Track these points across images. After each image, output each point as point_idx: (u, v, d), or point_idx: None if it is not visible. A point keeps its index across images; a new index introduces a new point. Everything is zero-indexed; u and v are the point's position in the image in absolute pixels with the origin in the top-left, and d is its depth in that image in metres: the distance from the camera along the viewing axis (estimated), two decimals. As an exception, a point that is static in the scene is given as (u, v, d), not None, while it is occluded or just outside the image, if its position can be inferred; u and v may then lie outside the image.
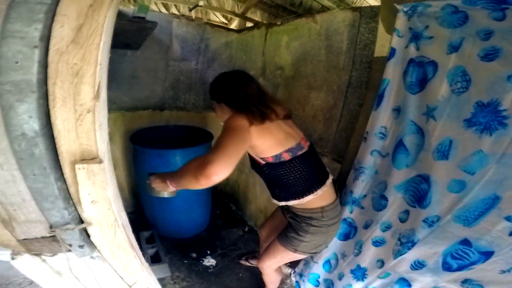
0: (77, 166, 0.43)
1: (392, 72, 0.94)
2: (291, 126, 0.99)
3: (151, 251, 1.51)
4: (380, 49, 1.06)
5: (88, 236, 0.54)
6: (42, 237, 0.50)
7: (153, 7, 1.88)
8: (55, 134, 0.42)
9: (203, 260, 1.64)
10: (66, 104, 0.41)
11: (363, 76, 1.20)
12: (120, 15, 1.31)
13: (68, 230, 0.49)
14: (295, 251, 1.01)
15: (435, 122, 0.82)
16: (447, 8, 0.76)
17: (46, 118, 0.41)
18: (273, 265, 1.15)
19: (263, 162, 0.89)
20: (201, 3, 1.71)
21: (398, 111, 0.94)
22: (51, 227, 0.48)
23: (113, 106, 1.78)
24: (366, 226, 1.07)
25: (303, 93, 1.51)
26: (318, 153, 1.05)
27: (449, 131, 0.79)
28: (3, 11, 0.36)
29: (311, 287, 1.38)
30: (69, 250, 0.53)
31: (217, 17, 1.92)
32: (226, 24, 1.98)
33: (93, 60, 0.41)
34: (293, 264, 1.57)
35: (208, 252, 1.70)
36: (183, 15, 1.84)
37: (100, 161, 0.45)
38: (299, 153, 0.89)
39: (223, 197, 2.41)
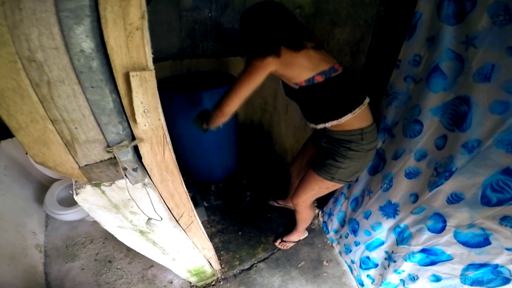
0: (131, 73, 0.45)
1: (424, 5, 0.86)
2: (323, 54, 0.96)
3: (189, 195, 1.63)
4: None
5: (140, 159, 0.58)
6: (101, 161, 0.54)
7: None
8: (109, 51, 0.44)
9: (234, 203, 1.76)
10: (117, 25, 0.42)
11: (393, 11, 1.09)
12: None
13: (123, 147, 0.51)
14: (332, 179, 1.02)
15: (475, 49, 0.75)
16: None
17: (100, 37, 0.43)
18: (308, 200, 1.18)
19: (297, 87, 0.91)
20: None
21: (432, 40, 0.87)
22: (108, 146, 0.51)
23: None
24: (396, 157, 1.03)
25: (326, 28, 1.42)
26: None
27: (491, 57, 0.72)
28: None
29: (338, 226, 1.45)
30: (125, 175, 0.57)
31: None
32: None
33: None
34: (321, 204, 1.64)
35: (239, 195, 1.82)
36: None
37: (151, 70, 0.48)
38: (333, 74, 0.90)
39: (248, 138, 2.48)
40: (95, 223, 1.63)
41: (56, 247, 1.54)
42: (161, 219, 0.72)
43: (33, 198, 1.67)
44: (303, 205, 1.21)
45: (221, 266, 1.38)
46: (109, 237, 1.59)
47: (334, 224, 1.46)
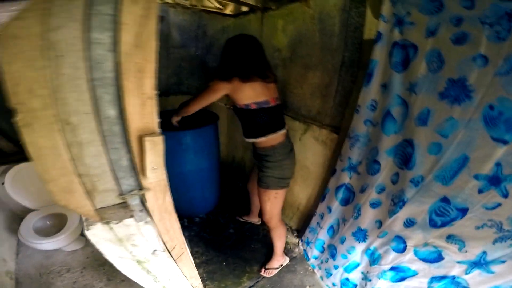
0: (145, 138, 0.58)
1: (379, 54, 1.08)
2: (269, 88, 1.29)
3: None
4: (368, 32, 1.20)
5: (143, 203, 0.70)
6: (113, 205, 0.65)
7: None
8: (126, 117, 0.56)
9: (217, 235, 1.84)
10: (134, 94, 0.55)
11: (355, 56, 1.34)
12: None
13: (133, 195, 0.64)
14: (268, 187, 1.33)
15: (416, 95, 0.97)
16: None
17: (120, 104, 0.55)
18: (273, 214, 1.41)
19: (238, 106, 1.26)
20: None
21: (385, 87, 1.10)
22: (121, 194, 0.63)
23: None
24: (362, 190, 1.25)
25: (300, 72, 1.65)
26: (283, 113, 1.40)
27: (427, 102, 0.94)
28: (82, 21, 0.48)
29: (317, 253, 1.59)
30: (132, 216, 0.69)
31: (212, 3, 1.99)
32: (220, 9, 2.05)
33: (151, 59, 0.54)
34: (300, 234, 1.79)
35: (222, 227, 1.90)
36: (178, 4, 1.90)
37: (160, 135, 0.61)
38: (264, 106, 1.24)
39: (230, 175, 2.61)
40: (72, 252, 1.65)
41: (29, 275, 1.50)
42: (164, 249, 0.81)
43: (3, 226, 1.65)
44: (273, 222, 1.43)
45: None
46: (87, 266, 1.57)
47: (314, 251, 1.60)
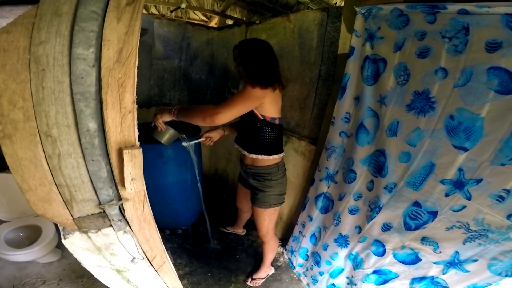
0: (124, 151, 0.60)
1: (352, 68, 1.16)
2: None
3: None
4: (343, 47, 1.27)
5: (122, 212, 0.71)
6: (92, 214, 0.66)
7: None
8: (106, 130, 0.59)
9: (201, 246, 1.83)
10: (114, 107, 0.58)
11: (330, 70, 1.42)
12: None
13: (112, 205, 0.65)
14: (270, 206, 1.31)
15: (386, 107, 1.05)
16: (394, 11, 0.96)
17: (101, 118, 0.58)
18: (269, 230, 1.41)
19: (261, 118, 1.15)
20: (183, 5, 1.84)
21: (358, 99, 1.18)
22: (100, 204, 0.65)
23: None
24: (341, 198, 1.31)
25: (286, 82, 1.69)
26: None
27: (396, 114, 1.02)
28: (67, 37, 0.52)
29: (302, 261, 1.62)
30: (110, 225, 0.70)
31: (197, 16, 2.05)
32: (206, 22, 2.12)
33: (132, 75, 0.58)
34: (284, 243, 1.82)
35: (205, 238, 1.90)
36: (163, 15, 1.95)
37: (139, 147, 0.63)
38: (281, 123, 1.23)
39: (213, 186, 2.61)
40: (48, 264, 1.59)
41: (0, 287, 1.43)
42: (143, 258, 0.82)
43: None
44: (268, 236, 1.43)
45: None
46: (64, 278, 1.51)
47: (298, 259, 1.63)
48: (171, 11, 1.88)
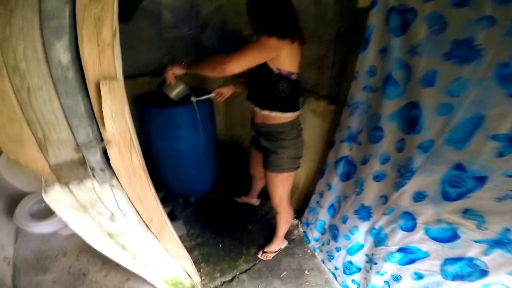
0: (101, 81, 0.55)
1: (375, 19, 1.01)
2: None
3: (166, 210, 1.67)
4: (363, 1, 1.13)
5: (108, 161, 0.66)
6: (70, 160, 0.62)
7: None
8: (83, 63, 0.54)
9: (214, 216, 1.82)
10: (91, 41, 0.53)
11: (351, 27, 1.28)
12: None
13: (92, 148, 0.60)
14: (283, 170, 1.23)
15: (419, 57, 0.89)
16: None
17: (76, 52, 0.54)
18: (283, 199, 1.33)
19: (276, 72, 1.07)
20: None
21: (384, 52, 1.03)
22: (78, 146, 0.59)
23: None
24: (365, 162, 1.15)
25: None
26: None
27: (432, 64, 0.86)
28: None
29: (318, 235, 1.52)
30: (93, 175, 0.65)
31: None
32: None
33: (110, 11, 0.53)
34: (299, 215, 1.72)
35: (219, 208, 1.89)
36: None
37: (118, 81, 0.57)
38: (299, 78, 1.14)
39: (229, 154, 2.57)
40: (68, 237, 1.67)
41: (26, 261, 1.55)
42: (125, 215, 0.78)
43: (2, 211, 1.69)
44: (282, 206, 1.35)
45: (201, 278, 1.40)
46: (83, 250, 1.60)
47: (314, 233, 1.53)
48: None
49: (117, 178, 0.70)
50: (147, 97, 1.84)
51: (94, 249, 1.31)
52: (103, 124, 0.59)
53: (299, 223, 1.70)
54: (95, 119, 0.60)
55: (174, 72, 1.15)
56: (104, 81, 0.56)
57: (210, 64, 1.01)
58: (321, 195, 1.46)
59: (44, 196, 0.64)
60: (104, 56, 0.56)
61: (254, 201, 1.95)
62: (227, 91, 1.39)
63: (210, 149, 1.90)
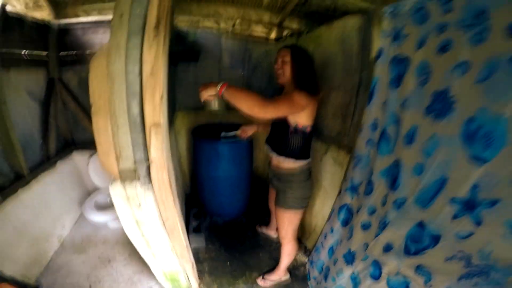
0: (152, 127, 1.08)
1: (380, 71, 1.22)
2: None
3: (194, 223, 2.24)
4: (374, 51, 1.33)
5: (149, 174, 1.20)
6: (129, 169, 1.18)
7: (208, 23, 2.66)
8: (145, 115, 1.08)
9: (233, 238, 2.25)
10: (149, 102, 1.07)
11: (371, 76, 1.43)
12: (179, 38, 2.13)
13: (142, 164, 1.14)
14: (289, 207, 1.52)
15: (406, 111, 1.06)
16: (415, 5, 1.02)
17: (141, 107, 1.08)
18: (289, 233, 1.62)
19: (294, 125, 1.38)
20: (237, 23, 2.41)
21: (384, 104, 1.22)
22: (135, 162, 1.15)
23: (181, 107, 2.66)
24: (358, 211, 1.39)
25: (325, 93, 1.91)
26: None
27: (414, 119, 1.02)
28: (123, 58, 1.04)
29: (317, 274, 1.73)
30: (138, 179, 1.20)
31: (259, 29, 2.55)
32: (267, 33, 2.59)
33: (159, 82, 1.06)
34: (309, 253, 1.96)
35: (240, 232, 2.31)
36: (226, 32, 2.54)
37: (161, 127, 1.10)
38: (312, 130, 1.44)
39: (263, 187, 2.90)
40: (114, 230, 2.31)
41: (73, 241, 2.18)
42: (149, 208, 1.26)
43: (76, 199, 2.50)
44: (286, 239, 1.65)
45: (199, 285, 1.79)
46: (119, 242, 2.20)
47: (314, 271, 1.74)
48: (233, 26, 2.46)
49: (152, 184, 1.23)
50: (204, 128, 2.49)
51: (128, 242, 1.68)
52: (150, 151, 1.13)
53: (307, 260, 1.94)
54: (146, 148, 1.14)
55: (208, 93, 1.26)
56: (153, 127, 1.10)
57: (249, 101, 1.15)
58: (325, 237, 1.70)
59: (110, 188, 1.20)
60: (155, 111, 1.09)
61: (273, 233, 2.28)
62: (250, 130, 1.85)
63: (244, 181, 2.40)
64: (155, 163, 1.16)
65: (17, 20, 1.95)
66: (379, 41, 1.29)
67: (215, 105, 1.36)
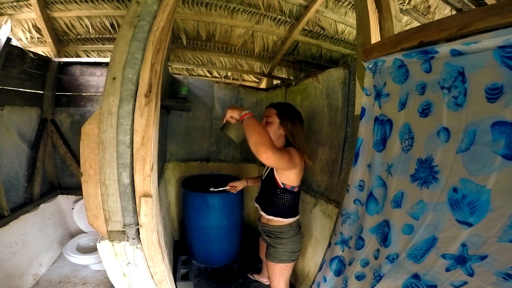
0: (142, 198, 1.10)
1: (363, 131, 1.23)
2: None
3: (183, 271, 2.14)
4: (358, 107, 1.30)
5: (139, 234, 1.20)
6: (118, 230, 1.17)
7: (200, 72, 2.79)
8: (135, 185, 1.10)
9: (224, 286, 2.18)
10: (140, 173, 1.10)
11: (356, 133, 1.36)
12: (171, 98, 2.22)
13: (131, 227, 1.15)
14: (280, 261, 1.53)
15: (392, 177, 1.09)
16: (395, 62, 0.99)
17: (132, 178, 1.10)
18: (280, 283, 1.61)
19: (282, 186, 1.45)
20: (229, 73, 2.55)
21: (369, 167, 1.25)
22: (124, 225, 1.15)
23: (172, 157, 2.65)
24: (350, 263, 1.37)
25: (313, 148, 1.93)
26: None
27: (400, 185, 1.05)
28: (115, 128, 1.09)
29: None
30: (127, 240, 1.19)
31: (250, 77, 2.69)
32: (258, 83, 2.72)
33: (149, 152, 1.10)
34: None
35: (231, 279, 2.24)
36: (218, 81, 2.65)
37: (151, 197, 1.11)
38: (299, 189, 1.52)
39: (253, 235, 2.90)
40: (96, 271, 2.20)
41: (50, 280, 2.04)
42: (136, 265, 1.24)
43: (58, 240, 2.41)
44: None
45: None
46: (101, 284, 2.07)
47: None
48: (224, 77, 2.59)
49: (141, 244, 1.22)
50: (194, 180, 2.51)
51: (109, 284, 1.62)
52: (140, 217, 1.14)
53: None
54: (136, 214, 1.15)
55: (233, 115, 1.29)
56: (143, 197, 1.12)
57: (260, 138, 1.13)
58: (318, 285, 1.65)
59: (98, 244, 1.19)
60: (145, 182, 1.12)
61: (265, 280, 2.21)
62: (239, 185, 1.89)
63: (234, 229, 2.39)
64: (144, 226, 1.17)
65: (19, 56, 1.99)
66: (362, 97, 1.27)
67: (232, 130, 1.35)
